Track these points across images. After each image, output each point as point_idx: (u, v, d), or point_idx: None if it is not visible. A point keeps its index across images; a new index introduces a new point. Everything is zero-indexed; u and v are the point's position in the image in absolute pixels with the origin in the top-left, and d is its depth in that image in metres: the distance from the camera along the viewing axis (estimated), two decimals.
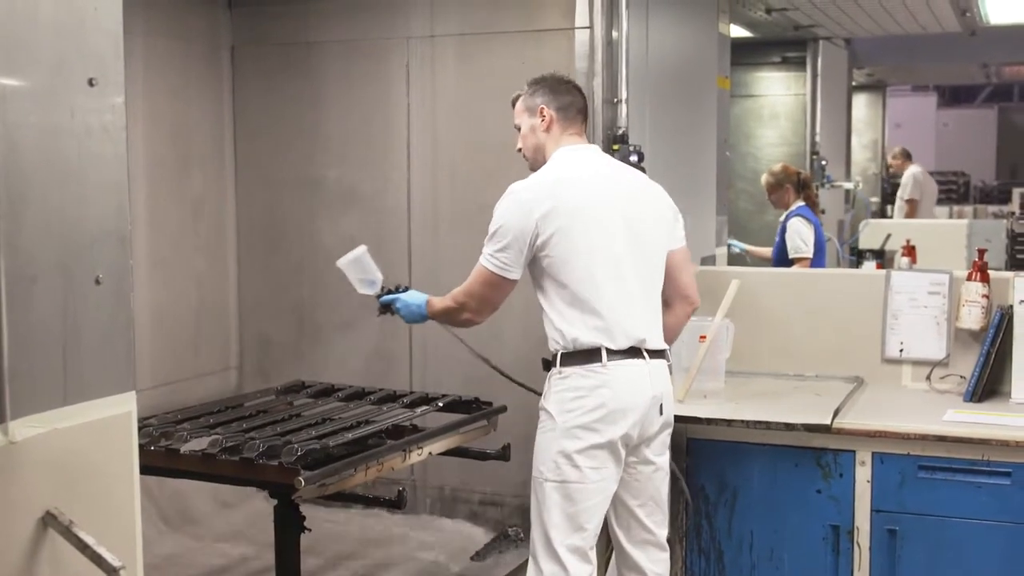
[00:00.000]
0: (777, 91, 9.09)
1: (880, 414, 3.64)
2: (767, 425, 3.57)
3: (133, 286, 2.07)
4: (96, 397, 1.98)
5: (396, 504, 3.63)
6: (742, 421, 3.61)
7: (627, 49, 4.38)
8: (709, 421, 3.66)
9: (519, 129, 3.45)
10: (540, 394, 3.30)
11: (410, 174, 4.91)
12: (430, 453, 3.77)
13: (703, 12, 5.46)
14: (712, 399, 3.81)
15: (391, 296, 3.62)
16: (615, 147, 4.20)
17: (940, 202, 12.52)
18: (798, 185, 6.63)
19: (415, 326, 4.84)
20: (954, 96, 20.59)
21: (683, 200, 3.49)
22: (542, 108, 3.37)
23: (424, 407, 4.02)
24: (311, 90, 5.06)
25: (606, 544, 3.49)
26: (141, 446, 2.62)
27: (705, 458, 3.71)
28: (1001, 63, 12.84)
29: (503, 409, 4.11)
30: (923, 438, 3.45)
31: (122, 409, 2.04)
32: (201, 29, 5.09)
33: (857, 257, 7.30)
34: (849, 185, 9.57)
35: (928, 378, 4.04)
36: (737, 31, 7.30)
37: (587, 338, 3.17)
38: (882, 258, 6.98)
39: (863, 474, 3.52)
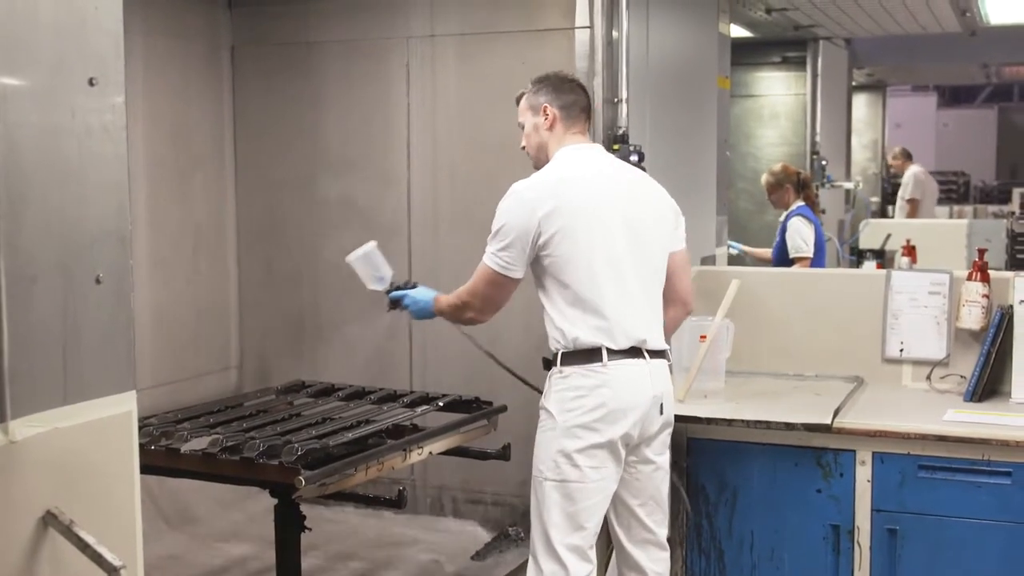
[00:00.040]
0: (777, 91, 9.09)
1: (880, 414, 3.64)
2: (767, 425, 3.57)
3: (133, 286, 2.07)
4: (96, 396, 1.98)
5: (396, 504, 3.63)
6: (742, 421, 3.61)
7: (627, 49, 4.38)
8: (709, 421, 3.66)
9: (523, 127, 3.45)
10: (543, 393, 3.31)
11: (410, 174, 4.91)
12: (430, 453, 3.77)
13: (703, 12, 5.46)
14: (712, 399, 3.81)
15: (400, 292, 3.63)
16: (615, 147, 4.20)
17: (940, 202, 12.53)
18: (798, 185, 6.63)
19: (415, 325, 4.90)
20: (954, 96, 20.60)
21: (683, 200, 3.49)
22: (545, 107, 3.37)
23: (424, 407, 4.02)
24: (311, 90, 5.06)
25: (606, 543, 3.49)
26: (141, 446, 2.62)
27: (705, 458, 3.71)
28: (1001, 63, 12.85)
29: (503, 409, 4.11)
30: (923, 438, 3.45)
31: (122, 408, 2.04)
32: (201, 29, 5.09)
33: (857, 257, 7.31)
34: (849, 185, 9.58)
35: (928, 378, 4.04)
36: (737, 31, 7.30)
37: (588, 338, 3.17)
38: (882, 258, 6.98)
39: (863, 474, 3.52)
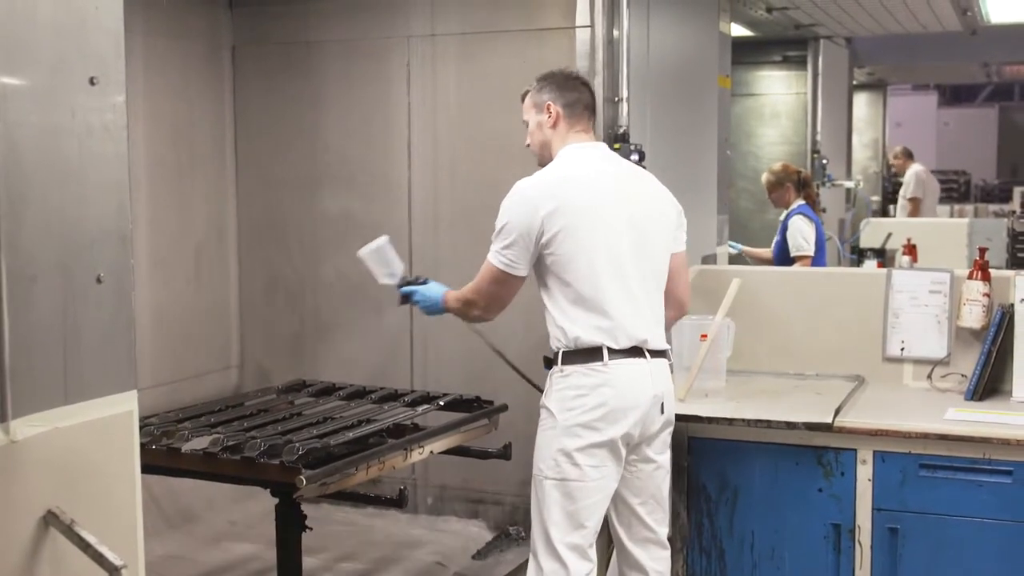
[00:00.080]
0: (778, 90, 9.09)
1: (881, 413, 3.63)
2: (768, 424, 3.57)
3: (134, 285, 2.07)
4: (97, 396, 1.98)
5: (397, 503, 3.63)
6: (743, 420, 3.61)
7: (628, 48, 4.38)
8: (710, 420, 3.66)
9: (527, 125, 3.45)
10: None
11: (411, 173, 4.91)
12: (431, 452, 3.78)
13: (704, 11, 5.46)
14: (713, 398, 3.81)
15: (410, 288, 3.63)
16: (616, 146, 4.20)
17: (941, 201, 12.52)
18: (798, 184, 6.63)
19: (416, 324, 4.90)
20: (955, 95, 20.60)
21: (684, 199, 3.49)
22: (549, 104, 3.37)
23: (425, 406, 4.02)
24: (312, 90, 5.06)
25: (607, 542, 3.49)
26: (142, 445, 2.62)
27: (706, 457, 3.71)
28: (1002, 62, 12.85)
29: (504, 408, 4.11)
30: (924, 437, 3.45)
31: (123, 408, 2.04)
32: (202, 29, 5.09)
33: (858, 256, 7.30)
34: (850, 184, 9.57)
35: (929, 377, 4.03)
36: (738, 30, 7.31)
37: (589, 337, 3.17)
38: (883, 257, 6.97)
39: (864, 473, 3.51)
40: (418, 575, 4.35)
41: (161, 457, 3.43)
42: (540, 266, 3.24)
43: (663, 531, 3.39)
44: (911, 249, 6.73)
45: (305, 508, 3.55)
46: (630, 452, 3.25)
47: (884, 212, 11.71)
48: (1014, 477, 3.36)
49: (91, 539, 1.86)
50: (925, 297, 4.07)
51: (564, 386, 3.19)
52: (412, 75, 4.86)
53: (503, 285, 3.28)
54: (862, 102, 12.45)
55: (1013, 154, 19.90)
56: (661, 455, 3.34)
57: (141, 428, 3.32)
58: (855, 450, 3.52)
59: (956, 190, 15.65)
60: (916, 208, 11.01)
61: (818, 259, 6.43)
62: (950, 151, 18.88)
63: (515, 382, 3.83)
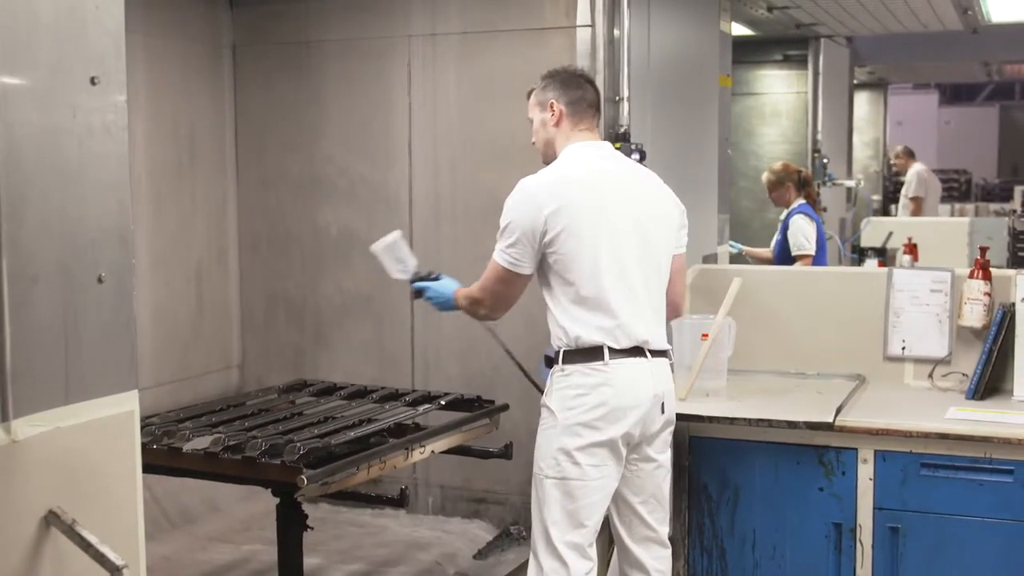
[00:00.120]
0: (779, 89, 9.09)
1: (882, 412, 3.63)
2: (769, 423, 3.57)
3: (135, 285, 2.07)
4: (98, 396, 1.98)
5: (398, 502, 3.63)
6: (744, 419, 3.61)
7: (629, 47, 4.39)
8: (711, 419, 3.66)
9: (532, 123, 3.45)
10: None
11: (411, 173, 4.91)
12: (432, 451, 3.77)
13: (705, 10, 5.46)
14: (714, 397, 3.81)
15: (423, 284, 3.62)
16: (616, 145, 4.20)
17: (942, 200, 12.52)
18: (799, 183, 6.63)
19: (417, 324, 4.90)
20: (955, 94, 20.60)
21: (685, 198, 3.49)
22: (552, 103, 3.36)
23: (426, 405, 4.02)
24: (312, 89, 5.06)
25: (608, 541, 3.49)
26: (143, 445, 2.62)
27: (707, 456, 3.71)
28: (1003, 61, 12.85)
29: (505, 407, 4.11)
30: (925, 436, 3.44)
31: (124, 408, 2.04)
32: (202, 28, 5.09)
33: (859, 255, 7.31)
34: (851, 183, 9.57)
35: (930, 376, 4.03)
36: (739, 29, 7.31)
37: (590, 336, 3.17)
38: (884, 256, 6.98)
39: (865, 472, 3.51)
40: (419, 575, 4.35)
41: (162, 457, 3.43)
42: (543, 265, 3.24)
43: (664, 530, 3.39)
44: (912, 248, 6.73)
45: (306, 508, 3.55)
46: (631, 451, 3.25)
47: (885, 211, 11.71)
48: (1015, 476, 3.36)
49: (92, 539, 1.86)
50: (926, 296, 4.07)
51: (565, 385, 3.19)
52: (413, 74, 4.86)
53: (508, 284, 3.28)
54: (863, 101, 12.45)
55: (1014, 153, 19.91)
56: (662, 454, 3.34)
57: (142, 428, 3.32)
58: (856, 449, 3.52)
59: (957, 189, 15.65)
60: (918, 207, 11.01)
61: (819, 258, 6.43)
62: (951, 150, 18.88)
63: (516, 382, 3.84)
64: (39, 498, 1.86)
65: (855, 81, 10.86)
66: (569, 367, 3.19)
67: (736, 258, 6.45)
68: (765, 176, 6.77)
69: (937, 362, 4.03)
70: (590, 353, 3.17)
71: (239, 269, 5.28)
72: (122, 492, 2.05)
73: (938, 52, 10.92)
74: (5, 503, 1.81)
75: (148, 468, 2.33)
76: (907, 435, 3.46)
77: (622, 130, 4.33)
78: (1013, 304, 3.84)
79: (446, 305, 3.57)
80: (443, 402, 4.09)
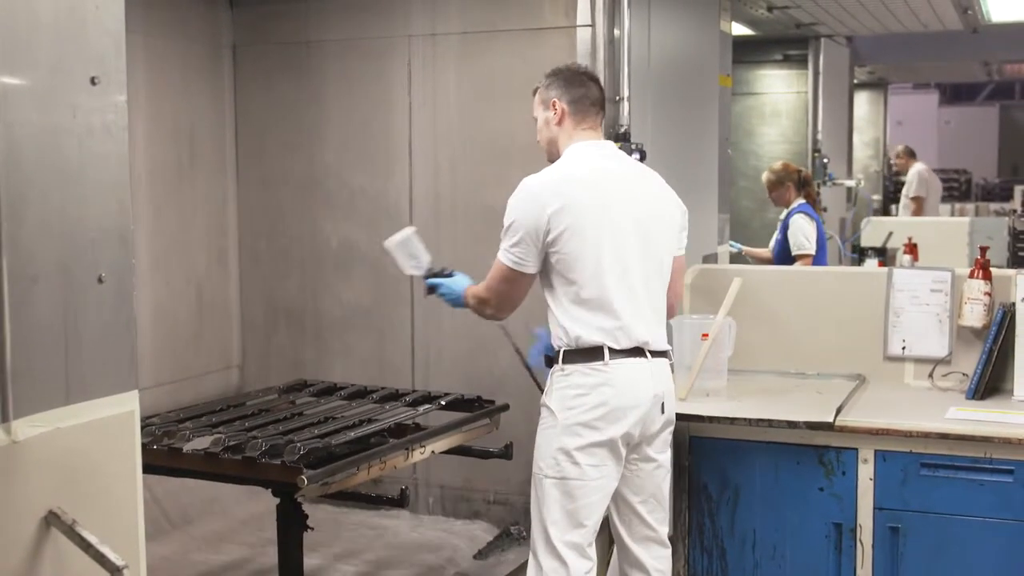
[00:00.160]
0: (779, 89, 9.09)
1: (882, 412, 3.63)
2: (769, 423, 3.57)
3: (135, 285, 2.07)
4: (98, 396, 1.98)
5: (399, 503, 3.63)
6: (744, 419, 3.61)
7: (629, 47, 4.38)
8: (711, 419, 3.66)
9: (536, 121, 3.44)
10: None
11: (411, 172, 4.91)
12: (433, 452, 3.77)
13: (705, 10, 5.46)
14: (714, 397, 3.81)
15: (437, 280, 3.62)
16: (617, 145, 4.19)
17: (942, 200, 12.53)
18: (799, 183, 6.64)
19: (417, 324, 4.90)
20: (955, 94, 20.60)
21: (685, 198, 3.49)
22: (554, 101, 3.36)
23: (426, 406, 4.03)
24: (312, 89, 5.06)
25: (608, 541, 3.49)
26: (143, 445, 2.62)
27: (707, 456, 3.71)
28: (1003, 61, 12.85)
29: (505, 407, 4.11)
30: (926, 436, 3.44)
31: (124, 408, 2.04)
32: (202, 28, 5.09)
33: (859, 255, 7.31)
34: (851, 183, 9.57)
35: (930, 376, 4.03)
36: (739, 29, 7.31)
37: (590, 337, 3.17)
38: (884, 256, 6.98)
39: (866, 472, 3.51)
40: (420, 575, 4.35)
41: (162, 457, 3.43)
42: (544, 264, 3.23)
43: (664, 530, 3.39)
44: (912, 248, 6.73)
45: (306, 508, 3.55)
46: (631, 451, 3.25)
47: (885, 211, 11.71)
48: (1015, 476, 3.36)
49: (92, 539, 1.86)
50: (926, 296, 4.07)
51: (565, 385, 3.19)
52: (413, 74, 4.86)
53: (513, 283, 3.28)
54: (863, 101, 12.45)
55: (1014, 153, 19.91)
56: (662, 454, 3.34)
57: (142, 428, 3.32)
58: (856, 449, 3.52)
59: (957, 189, 15.66)
60: (919, 207, 11.01)
61: (819, 258, 6.43)
62: (951, 150, 18.89)
63: (516, 382, 3.84)
64: (39, 498, 1.86)
65: (855, 81, 10.86)
66: (569, 367, 3.19)
67: (736, 258, 6.45)
68: (765, 176, 6.77)
69: (937, 362, 4.03)
70: (590, 353, 3.17)
71: (239, 269, 5.28)
72: (122, 492, 2.05)
73: (938, 52, 10.92)
74: (5, 504, 1.81)
75: (148, 468, 2.33)
76: (907, 435, 3.46)
77: (622, 130, 4.33)
78: (1013, 304, 3.84)
79: (458, 302, 3.56)
80: (443, 402, 4.09)
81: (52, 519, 1.87)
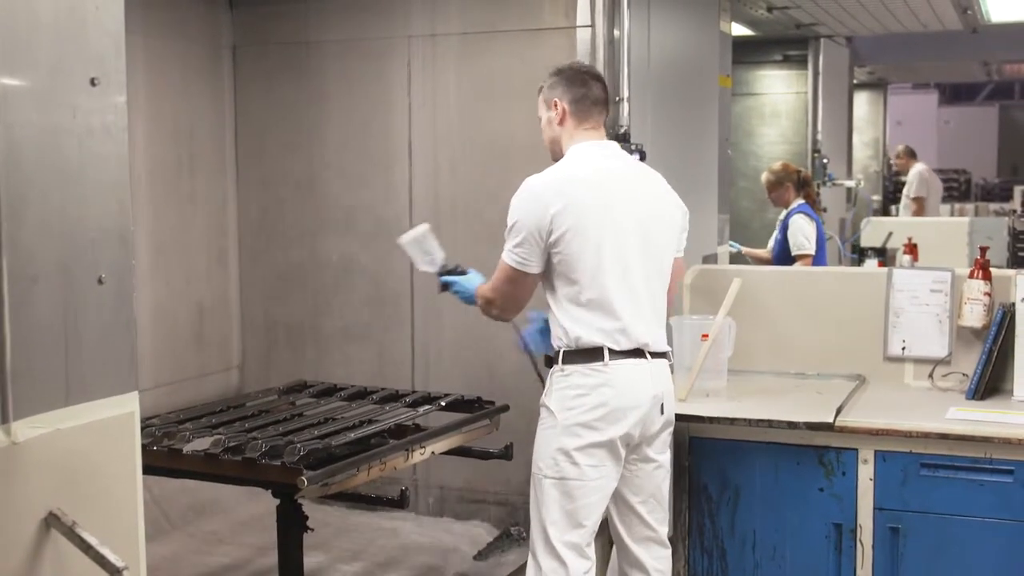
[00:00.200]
0: (778, 89, 9.09)
1: (882, 412, 3.63)
2: (769, 423, 3.57)
3: (135, 286, 2.07)
4: (98, 397, 1.98)
5: (399, 503, 3.63)
6: (744, 420, 3.61)
7: (628, 48, 4.38)
8: (711, 420, 3.66)
9: (541, 121, 3.44)
10: None
11: (411, 172, 4.91)
12: (433, 452, 3.77)
13: (704, 10, 5.46)
14: (714, 398, 3.81)
15: (450, 278, 3.61)
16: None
17: (942, 200, 12.53)
18: (798, 183, 6.64)
19: (417, 325, 4.90)
20: (955, 94, 20.60)
21: (685, 199, 3.49)
22: (556, 101, 3.36)
23: (426, 406, 4.03)
24: (312, 90, 5.05)
25: (608, 541, 3.49)
26: (144, 446, 2.62)
27: (707, 457, 3.71)
28: (1002, 61, 12.85)
29: (505, 408, 4.11)
30: (926, 436, 3.44)
31: (124, 409, 2.04)
32: (202, 29, 5.09)
33: (859, 255, 7.30)
34: (851, 183, 9.57)
35: (930, 376, 4.03)
36: (739, 29, 7.31)
37: (590, 338, 3.17)
38: (884, 256, 6.98)
39: (866, 472, 3.51)
40: None
41: (162, 458, 3.43)
42: (546, 264, 3.23)
43: (663, 530, 3.39)
44: (912, 248, 6.73)
45: (306, 509, 3.55)
46: (630, 452, 3.25)
47: (885, 211, 11.71)
48: (1015, 477, 3.36)
49: (92, 541, 1.86)
50: (926, 296, 4.07)
51: (564, 385, 3.19)
52: (412, 75, 4.86)
53: (517, 283, 3.27)
54: (863, 101, 12.45)
55: (1013, 153, 19.91)
56: (661, 455, 3.34)
57: (142, 429, 3.32)
58: (856, 450, 3.52)
59: (957, 189, 15.65)
60: (921, 207, 11.01)
61: (819, 258, 6.44)
62: (950, 150, 18.88)
63: (516, 383, 3.83)
64: (39, 500, 1.86)
65: (855, 81, 10.86)
66: (569, 367, 3.19)
67: (736, 258, 6.45)
68: (764, 176, 6.77)
69: (937, 362, 4.03)
70: (590, 354, 3.17)
71: (239, 270, 5.28)
72: (122, 493, 2.04)
73: (938, 52, 10.92)
74: (5, 505, 1.81)
75: (148, 469, 2.33)
76: (907, 435, 3.46)
77: (622, 130, 4.33)
78: (1013, 304, 3.84)
79: (470, 300, 3.55)
80: (443, 403, 4.09)
81: (52, 520, 1.87)
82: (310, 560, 3.83)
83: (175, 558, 4.39)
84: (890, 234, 7.24)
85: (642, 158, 4.22)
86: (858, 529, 3.53)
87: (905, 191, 11.38)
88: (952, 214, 12.19)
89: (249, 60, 5.19)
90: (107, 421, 2.00)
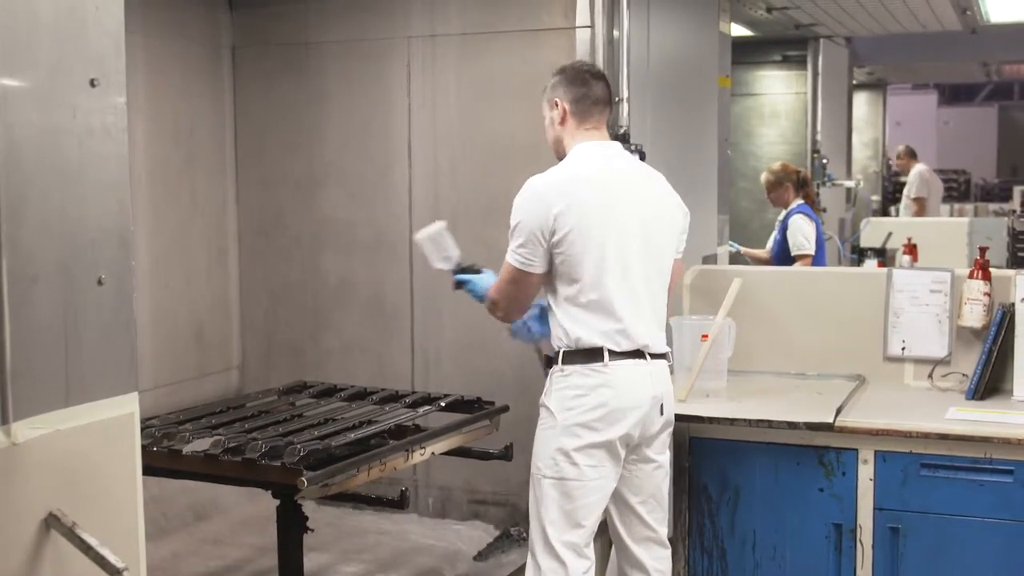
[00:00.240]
0: (778, 90, 9.09)
1: (882, 412, 3.63)
2: (769, 424, 3.57)
3: (135, 286, 2.07)
4: (98, 398, 1.97)
5: (399, 504, 3.63)
6: (744, 420, 3.61)
7: (628, 48, 4.38)
8: (711, 420, 3.66)
9: (544, 121, 3.44)
10: None
11: (411, 173, 4.91)
12: (432, 453, 3.77)
13: (704, 11, 5.46)
14: (714, 398, 3.81)
15: (464, 276, 3.61)
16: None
17: (942, 200, 12.53)
18: (797, 183, 6.64)
19: (417, 326, 4.90)
20: (954, 94, 20.61)
21: (685, 199, 3.49)
22: (556, 101, 3.36)
23: (426, 407, 4.02)
24: (312, 90, 5.05)
25: (607, 541, 3.49)
26: (143, 447, 2.62)
27: (707, 457, 3.71)
28: (1001, 61, 12.86)
29: (505, 409, 4.11)
30: (925, 436, 3.45)
31: (124, 410, 2.04)
32: (202, 29, 5.09)
33: (858, 255, 7.30)
34: (850, 183, 9.58)
35: (930, 376, 4.03)
36: (738, 30, 7.31)
37: (590, 338, 3.17)
38: (883, 256, 6.98)
39: (865, 472, 3.51)
40: None
41: (162, 459, 3.42)
42: (548, 265, 3.23)
43: (663, 530, 3.39)
44: (911, 248, 6.73)
45: (306, 510, 3.55)
46: (630, 452, 3.25)
47: (884, 212, 11.72)
48: (1015, 477, 3.36)
49: (92, 541, 1.86)
50: (926, 296, 4.07)
51: (564, 386, 3.19)
52: (412, 75, 4.86)
53: (520, 284, 3.27)
54: (862, 101, 12.46)
55: (1013, 153, 19.91)
56: (661, 455, 3.34)
57: (142, 430, 3.32)
58: (856, 450, 3.52)
59: (956, 189, 15.66)
60: (921, 207, 11.01)
61: (818, 259, 6.44)
62: (950, 150, 18.89)
63: (516, 383, 3.83)
64: (39, 501, 1.86)
65: (854, 81, 10.87)
66: (568, 367, 3.19)
67: (735, 258, 6.45)
68: (764, 176, 6.78)
69: (937, 362, 4.03)
70: (590, 354, 3.17)
71: (239, 270, 5.28)
72: (122, 494, 2.04)
73: (937, 52, 10.93)
74: (5, 506, 1.80)
75: (148, 470, 2.33)
76: (907, 435, 3.46)
77: (622, 131, 4.33)
78: (1013, 304, 3.84)
79: (482, 300, 3.55)
80: (443, 404, 4.08)
81: (52, 521, 1.87)
82: (310, 561, 3.82)
83: (175, 558, 4.39)
84: (890, 234, 7.25)
85: (642, 158, 4.21)
86: (858, 529, 3.53)
87: (906, 191, 11.39)
88: (952, 214, 12.20)
89: (249, 60, 5.19)
90: (107, 422, 1.99)
